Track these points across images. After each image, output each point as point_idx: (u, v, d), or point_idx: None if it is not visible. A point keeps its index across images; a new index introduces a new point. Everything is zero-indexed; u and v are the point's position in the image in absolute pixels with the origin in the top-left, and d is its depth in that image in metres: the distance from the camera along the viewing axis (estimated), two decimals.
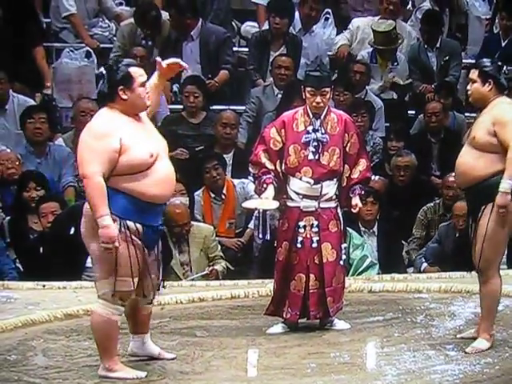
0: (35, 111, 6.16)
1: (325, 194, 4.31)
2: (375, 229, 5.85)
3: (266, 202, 4.23)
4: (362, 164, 4.37)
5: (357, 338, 4.23)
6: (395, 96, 7.01)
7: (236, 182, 6.01)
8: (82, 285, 5.01)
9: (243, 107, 6.70)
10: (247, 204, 4.50)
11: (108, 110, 3.58)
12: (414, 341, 4.15)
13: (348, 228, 5.51)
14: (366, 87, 6.79)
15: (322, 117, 4.32)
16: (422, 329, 4.33)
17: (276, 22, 6.78)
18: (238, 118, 6.36)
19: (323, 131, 4.31)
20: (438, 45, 7.05)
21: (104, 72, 3.58)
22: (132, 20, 6.85)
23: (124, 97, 3.54)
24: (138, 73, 3.58)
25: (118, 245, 3.49)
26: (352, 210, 4.36)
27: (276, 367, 3.84)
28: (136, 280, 3.59)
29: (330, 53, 7.19)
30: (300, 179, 4.30)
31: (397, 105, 6.93)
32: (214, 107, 6.64)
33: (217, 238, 5.65)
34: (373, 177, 6.12)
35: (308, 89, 4.31)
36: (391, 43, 6.88)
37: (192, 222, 5.57)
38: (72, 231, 5.08)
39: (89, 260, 5.05)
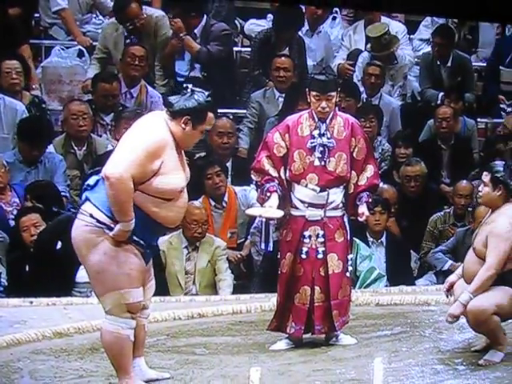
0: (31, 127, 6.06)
1: (331, 202, 4.39)
2: (383, 239, 5.99)
3: (271, 210, 4.31)
4: (370, 170, 4.43)
5: (363, 353, 4.33)
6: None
7: (238, 189, 6.11)
8: (72, 301, 5.06)
9: (244, 111, 6.78)
10: (251, 211, 4.58)
11: (163, 124, 3.68)
12: (423, 355, 4.28)
13: (355, 238, 5.66)
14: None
15: (328, 121, 4.40)
16: (431, 342, 4.46)
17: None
18: (234, 125, 6.39)
19: (329, 136, 4.38)
20: (449, 63, 7.21)
21: (189, 90, 3.73)
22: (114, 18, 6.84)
23: (183, 126, 3.68)
24: (210, 120, 3.91)
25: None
26: (359, 218, 4.43)
27: None
28: (141, 290, 3.71)
29: (337, 54, 7.33)
30: (305, 186, 4.37)
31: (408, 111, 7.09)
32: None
33: (226, 253, 5.72)
34: (382, 185, 6.32)
35: (313, 93, 4.38)
36: (385, 48, 7.03)
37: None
38: (59, 246, 5.19)
39: (79, 275, 5.25)
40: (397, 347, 4.41)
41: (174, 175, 3.67)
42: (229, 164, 6.31)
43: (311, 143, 4.37)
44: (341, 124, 4.41)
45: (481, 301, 4.09)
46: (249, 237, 6.01)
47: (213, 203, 6.07)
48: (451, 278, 4.33)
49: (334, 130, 4.40)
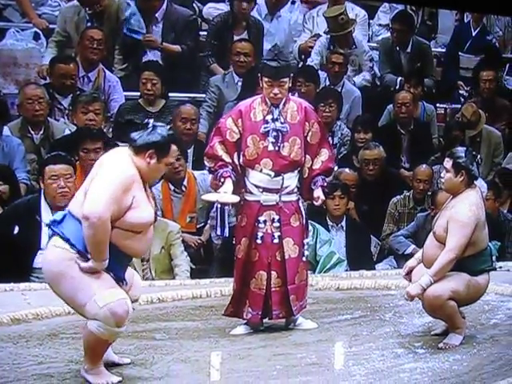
0: None
1: (286, 187, 4.35)
2: (343, 223, 5.98)
3: (227, 195, 4.27)
4: (324, 154, 4.39)
5: (324, 337, 4.33)
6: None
7: (197, 173, 6.03)
8: (30, 287, 4.96)
9: (203, 95, 6.74)
10: (207, 197, 4.52)
11: (129, 159, 3.70)
12: (383, 339, 4.29)
13: (315, 223, 5.65)
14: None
15: (281, 105, 4.34)
16: (391, 326, 4.48)
17: (243, 7, 6.85)
18: (198, 112, 6.34)
19: (283, 120, 4.33)
20: (408, 49, 7.25)
21: (150, 125, 3.73)
22: (75, 2, 6.76)
23: (148, 160, 3.70)
24: (174, 152, 3.77)
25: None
26: (314, 202, 4.40)
27: (240, 370, 3.91)
28: (117, 289, 3.69)
29: (296, 39, 7.31)
30: (260, 171, 4.33)
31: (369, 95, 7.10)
32: (174, 94, 6.65)
33: (181, 236, 5.64)
34: (342, 169, 6.34)
35: (265, 79, 4.32)
36: (341, 28, 7.04)
37: (158, 218, 5.55)
38: (16, 230, 5.09)
39: (37, 260, 5.08)
40: (357, 331, 4.42)
41: (144, 208, 3.70)
42: (190, 149, 6.23)
43: (264, 128, 4.33)
44: (294, 108, 4.37)
45: (436, 287, 4.10)
46: (208, 221, 5.95)
47: (172, 188, 6.00)
48: (410, 263, 4.34)
49: (288, 114, 4.36)
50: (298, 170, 4.38)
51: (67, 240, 3.66)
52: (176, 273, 5.56)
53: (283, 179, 4.33)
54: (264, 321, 4.45)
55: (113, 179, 3.63)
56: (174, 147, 3.75)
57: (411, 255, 4.83)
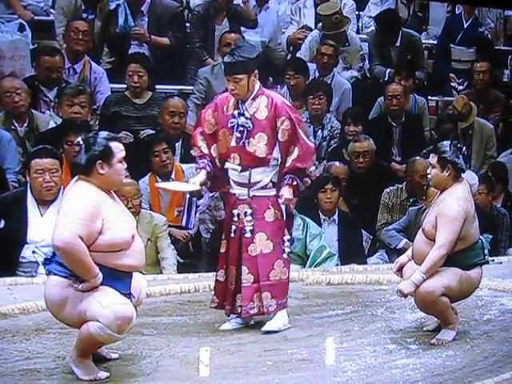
0: None
1: (257, 182, 4.28)
2: (335, 217, 5.92)
3: (181, 184, 4.23)
4: (295, 153, 4.25)
5: (315, 333, 4.29)
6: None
7: (185, 166, 5.98)
8: (16, 281, 4.92)
9: (191, 87, 6.71)
10: (162, 185, 4.49)
11: (85, 185, 3.70)
12: (375, 335, 4.25)
13: (305, 217, 5.61)
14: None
15: (250, 100, 4.23)
16: (383, 322, 4.44)
17: None
18: (185, 105, 6.30)
19: (248, 116, 4.23)
20: (398, 43, 7.22)
21: (82, 143, 3.71)
22: None
23: (101, 171, 3.69)
24: (118, 148, 3.73)
25: None
26: (279, 200, 4.27)
27: (230, 366, 3.87)
28: (127, 299, 3.69)
29: (284, 30, 7.29)
30: (229, 165, 4.29)
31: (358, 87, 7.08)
32: (161, 86, 6.61)
33: (167, 229, 5.59)
34: (333, 163, 6.30)
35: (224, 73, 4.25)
36: (335, 27, 7.01)
37: (143, 210, 5.56)
38: (2, 224, 5.05)
39: (23, 254, 5.07)
40: (348, 327, 4.38)
41: (119, 226, 3.68)
42: (178, 143, 6.18)
43: (231, 123, 4.27)
44: (264, 104, 4.26)
45: (428, 283, 4.06)
46: (197, 215, 5.91)
47: (160, 181, 5.94)
48: (401, 259, 4.30)
49: (256, 110, 4.25)
50: (272, 165, 4.28)
51: (60, 271, 3.66)
52: (163, 266, 5.52)
53: (250, 174, 4.27)
54: (254, 316, 4.37)
55: (76, 208, 3.62)
56: (114, 144, 3.72)
57: (403, 249, 4.80)
